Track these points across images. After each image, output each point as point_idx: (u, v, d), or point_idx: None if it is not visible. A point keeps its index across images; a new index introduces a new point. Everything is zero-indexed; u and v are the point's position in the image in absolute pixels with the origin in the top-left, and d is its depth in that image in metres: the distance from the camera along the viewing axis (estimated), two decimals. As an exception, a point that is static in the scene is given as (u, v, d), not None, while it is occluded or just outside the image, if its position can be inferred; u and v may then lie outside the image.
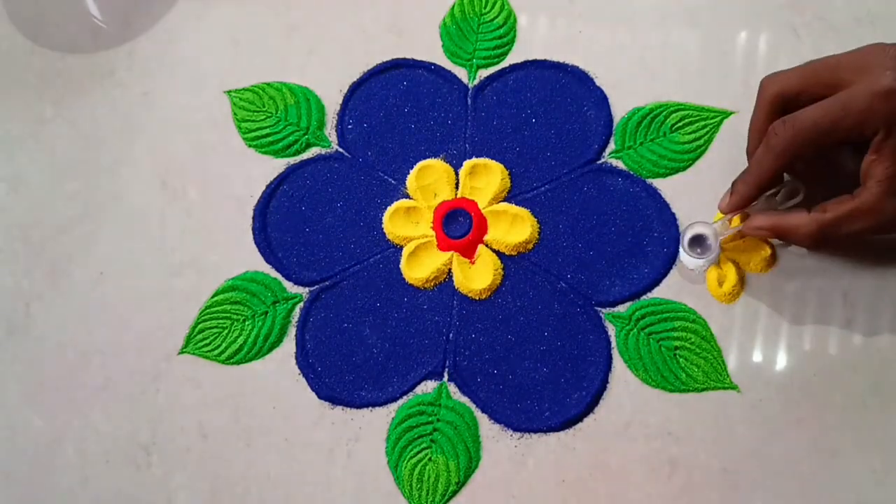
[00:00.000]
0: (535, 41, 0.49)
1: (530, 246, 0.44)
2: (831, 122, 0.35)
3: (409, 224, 0.45)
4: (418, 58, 0.50)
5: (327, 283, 0.45)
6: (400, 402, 0.42)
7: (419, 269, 0.44)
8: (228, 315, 0.45)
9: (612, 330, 0.42)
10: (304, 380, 0.43)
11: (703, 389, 0.40)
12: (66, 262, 0.48)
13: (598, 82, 0.47)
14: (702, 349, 0.40)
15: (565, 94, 0.47)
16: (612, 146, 0.46)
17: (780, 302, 0.41)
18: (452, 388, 0.42)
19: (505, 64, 0.49)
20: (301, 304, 0.45)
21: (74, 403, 0.44)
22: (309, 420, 0.42)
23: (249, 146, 0.49)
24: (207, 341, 0.44)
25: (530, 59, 0.49)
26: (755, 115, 0.39)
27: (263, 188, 0.48)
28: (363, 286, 0.44)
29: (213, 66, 0.52)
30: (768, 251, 0.41)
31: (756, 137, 0.39)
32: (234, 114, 0.50)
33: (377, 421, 0.42)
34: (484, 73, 0.49)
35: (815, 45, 0.46)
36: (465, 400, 0.41)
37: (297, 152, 0.48)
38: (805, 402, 0.39)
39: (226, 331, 0.44)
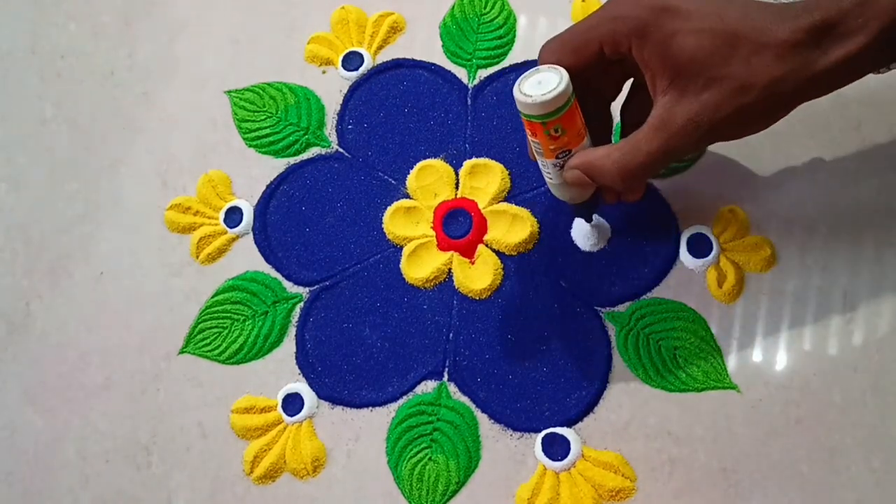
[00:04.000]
0: (535, 41, 0.49)
1: (530, 246, 0.44)
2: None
3: (409, 224, 0.45)
4: (418, 58, 0.50)
5: (327, 283, 0.45)
6: (400, 401, 0.42)
7: (419, 269, 0.44)
8: (228, 315, 0.45)
9: (612, 330, 0.42)
10: (304, 379, 0.43)
11: (703, 389, 0.40)
12: (66, 262, 0.48)
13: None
14: (702, 349, 0.40)
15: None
16: (612, 146, 0.46)
17: (780, 302, 0.41)
18: (452, 387, 0.42)
19: (505, 64, 0.49)
20: (301, 304, 0.45)
21: (74, 403, 0.44)
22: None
23: (249, 146, 0.49)
24: (207, 341, 0.44)
25: (530, 59, 0.48)
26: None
27: (263, 188, 0.48)
28: (363, 286, 0.44)
29: (213, 66, 0.52)
30: (768, 251, 0.41)
31: None
32: (234, 114, 0.50)
33: (377, 421, 0.42)
34: (484, 73, 0.49)
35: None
36: (465, 400, 0.41)
37: (297, 152, 0.48)
38: (805, 402, 0.39)
39: (226, 331, 0.44)
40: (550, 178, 0.38)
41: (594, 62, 0.35)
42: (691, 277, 0.42)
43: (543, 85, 0.34)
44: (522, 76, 0.35)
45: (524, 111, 0.35)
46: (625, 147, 0.34)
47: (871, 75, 0.34)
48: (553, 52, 0.36)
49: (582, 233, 0.43)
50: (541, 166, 0.38)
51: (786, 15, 0.32)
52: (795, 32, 0.32)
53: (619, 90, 0.39)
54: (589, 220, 0.42)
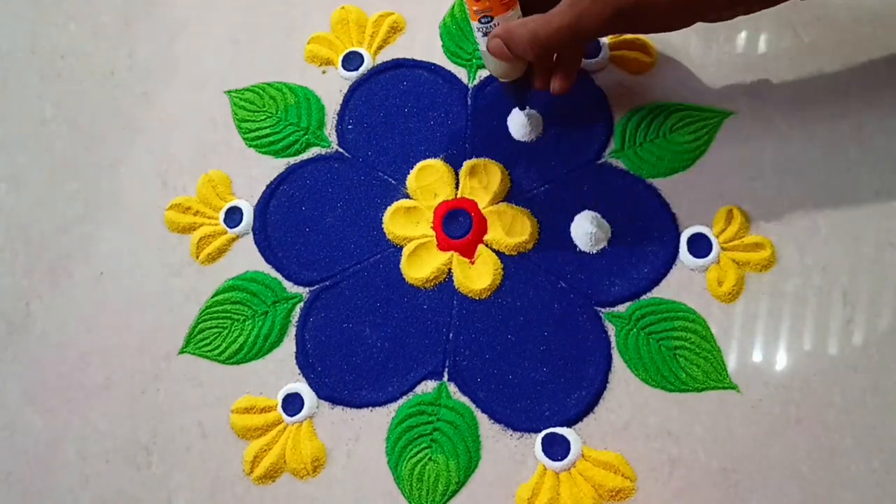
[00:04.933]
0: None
1: (530, 246, 0.44)
2: None
3: (409, 224, 0.45)
4: (418, 58, 0.50)
5: (327, 283, 0.45)
6: (400, 401, 0.42)
7: (419, 269, 0.44)
8: (228, 315, 0.45)
9: (612, 330, 0.42)
10: (304, 379, 0.43)
11: (702, 389, 0.40)
12: (66, 262, 0.48)
13: (597, 82, 0.47)
14: (702, 349, 0.40)
15: (565, 94, 0.47)
16: (612, 146, 0.46)
17: (780, 302, 0.41)
18: (452, 388, 0.42)
19: (505, 64, 0.49)
20: (301, 304, 0.45)
21: (74, 403, 0.44)
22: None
23: (249, 146, 0.49)
24: (207, 341, 0.44)
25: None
26: None
27: (263, 188, 0.48)
28: (363, 286, 0.44)
29: (213, 66, 0.52)
30: (768, 251, 0.41)
31: None
32: (234, 114, 0.50)
33: (377, 421, 0.42)
34: (484, 73, 0.48)
35: (815, 44, 0.46)
36: (465, 400, 0.41)
37: (297, 152, 0.48)
38: (805, 402, 0.39)
39: (226, 331, 0.44)
40: (479, 47, 0.40)
41: None
42: (691, 277, 0.42)
43: None
44: None
45: None
46: (540, 19, 0.37)
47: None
48: None
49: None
50: (475, 35, 0.40)
51: None
52: None
53: None
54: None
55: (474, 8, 0.38)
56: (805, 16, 0.47)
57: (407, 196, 0.46)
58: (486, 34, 0.38)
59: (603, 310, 0.42)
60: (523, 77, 0.41)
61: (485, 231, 0.45)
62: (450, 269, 0.44)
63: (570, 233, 0.44)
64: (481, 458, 0.40)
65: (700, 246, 0.42)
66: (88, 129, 0.51)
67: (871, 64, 0.45)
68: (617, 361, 0.41)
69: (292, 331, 0.44)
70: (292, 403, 0.42)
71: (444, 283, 0.44)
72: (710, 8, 0.37)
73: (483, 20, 0.38)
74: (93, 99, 0.52)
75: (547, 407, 0.41)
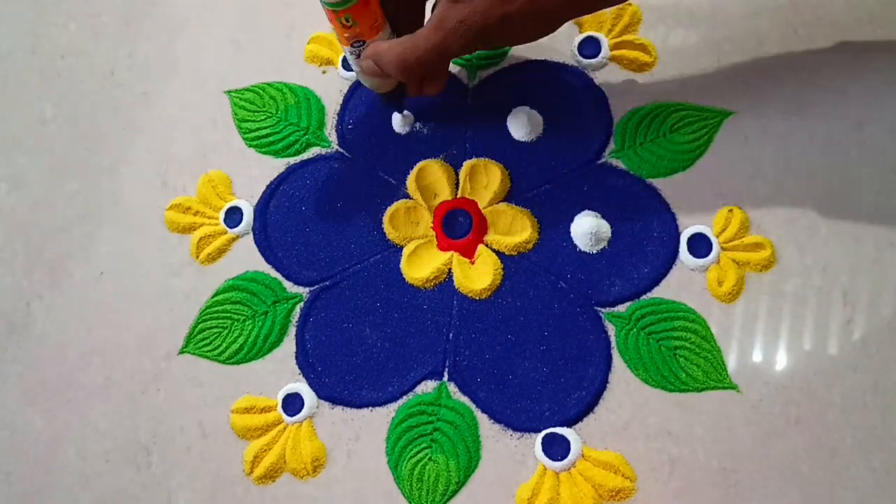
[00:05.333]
0: (534, 41, 0.49)
1: (530, 246, 0.44)
2: None
3: (409, 224, 0.45)
4: (418, 58, 0.50)
5: (327, 283, 0.45)
6: (400, 401, 0.42)
7: (419, 269, 0.44)
8: (228, 315, 0.45)
9: (612, 330, 0.42)
10: (304, 379, 0.43)
11: (703, 389, 0.40)
12: (66, 262, 0.48)
13: (597, 82, 0.47)
14: (702, 349, 0.40)
15: (565, 94, 0.47)
16: (612, 146, 0.46)
17: (780, 302, 0.41)
18: (452, 388, 0.42)
19: (505, 64, 0.49)
20: (301, 304, 0.45)
21: (74, 403, 0.44)
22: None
23: (249, 146, 0.49)
24: (207, 341, 0.44)
25: (530, 59, 0.49)
26: None
27: (263, 188, 0.48)
28: (363, 286, 0.44)
29: (213, 66, 0.52)
30: (768, 251, 0.42)
31: None
32: (234, 114, 0.50)
33: (377, 421, 0.42)
34: (484, 73, 0.49)
35: (815, 44, 0.46)
36: (465, 400, 0.41)
37: (297, 152, 0.48)
38: (805, 402, 0.39)
39: (226, 331, 0.44)
40: (353, 67, 0.41)
41: None
42: (691, 277, 0.42)
43: None
44: None
45: None
46: (406, 42, 0.38)
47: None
48: None
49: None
50: (348, 57, 0.41)
51: None
52: None
53: None
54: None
55: (345, 35, 0.39)
56: (805, 16, 0.47)
57: (407, 196, 0.46)
58: (358, 55, 0.40)
59: (603, 310, 0.42)
60: (397, 87, 0.43)
61: (485, 231, 0.45)
62: (450, 269, 0.44)
63: (570, 233, 0.44)
64: (481, 458, 0.40)
65: (700, 246, 0.42)
66: (88, 129, 0.51)
67: (871, 64, 0.45)
68: (617, 361, 0.41)
69: (292, 331, 0.44)
70: (292, 403, 0.42)
71: (444, 283, 0.44)
72: (562, 17, 0.38)
73: (355, 45, 0.39)
74: (93, 99, 0.52)
75: (547, 407, 0.41)
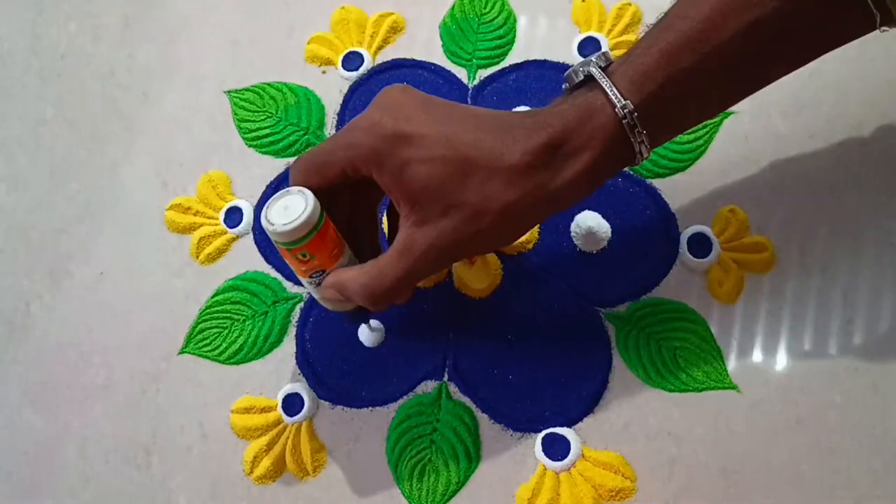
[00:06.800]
0: (535, 41, 0.49)
1: (530, 246, 0.44)
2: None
3: (409, 224, 0.45)
4: (418, 58, 0.50)
5: (327, 283, 0.45)
6: (400, 401, 0.42)
7: (419, 269, 0.44)
8: (228, 315, 0.45)
9: (612, 330, 0.42)
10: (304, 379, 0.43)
11: (703, 389, 0.40)
12: (66, 262, 0.48)
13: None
14: (702, 349, 0.40)
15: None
16: (612, 146, 0.45)
17: (779, 302, 0.41)
18: (452, 388, 0.42)
19: (505, 64, 0.49)
20: (301, 304, 0.45)
21: (74, 403, 0.44)
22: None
23: (249, 146, 0.49)
24: (207, 341, 0.44)
25: (530, 59, 0.49)
26: None
27: (263, 188, 0.48)
28: (363, 286, 0.44)
29: (213, 66, 0.52)
30: (768, 251, 0.41)
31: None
32: (234, 114, 0.50)
33: (377, 421, 0.42)
34: (484, 73, 0.49)
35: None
36: (465, 400, 0.41)
37: (297, 152, 0.48)
38: (805, 402, 0.39)
39: (226, 331, 0.44)
40: (313, 294, 0.37)
41: (342, 181, 0.35)
42: (691, 277, 0.42)
43: (289, 211, 0.33)
44: (273, 198, 0.34)
45: (271, 237, 0.34)
46: (372, 271, 0.35)
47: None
48: (300, 172, 0.35)
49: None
50: (306, 286, 0.37)
51: (517, 136, 0.32)
52: (525, 155, 0.32)
53: (384, 195, 0.37)
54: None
55: (302, 268, 0.35)
56: (805, 16, 0.47)
57: (407, 196, 0.46)
58: (318, 284, 0.36)
59: (603, 310, 0.42)
60: (358, 307, 0.38)
61: (485, 231, 0.44)
62: (450, 269, 0.44)
63: (570, 233, 0.44)
64: (481, 458, 0.40)
65: (700, 246, 0.42)
66: (88, 129, 0.51)
67: (871, 64, 0.45)
68: (617, 361, 0.41)
69: (292, 331, 0.44)
70: (292, 403, 0.42)
71: (444, 283, 0.44)
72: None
73: (314, 276, 0.36)
74: (93, 99, 0.52)
75: (547, 407, 0.41)
